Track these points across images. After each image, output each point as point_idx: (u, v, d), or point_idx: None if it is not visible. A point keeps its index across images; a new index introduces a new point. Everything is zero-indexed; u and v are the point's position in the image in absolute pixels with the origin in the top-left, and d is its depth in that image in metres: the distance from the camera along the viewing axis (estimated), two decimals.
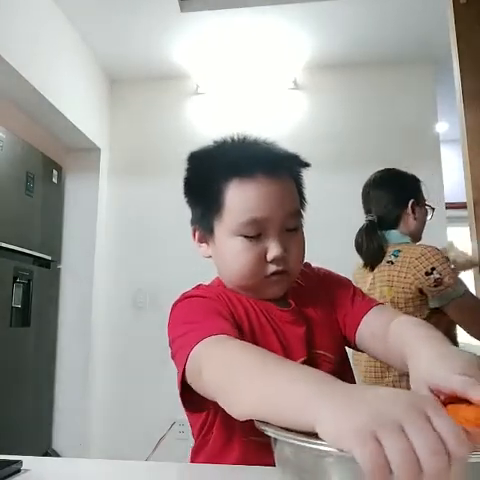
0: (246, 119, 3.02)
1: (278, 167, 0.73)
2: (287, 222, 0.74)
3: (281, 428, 0.41)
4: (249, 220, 0.71)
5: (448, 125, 3.45)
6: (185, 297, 0.76)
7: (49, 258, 2.72)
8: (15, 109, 2.50)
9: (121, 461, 0.67)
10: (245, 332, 0.72)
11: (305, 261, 0.86)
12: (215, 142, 0.81)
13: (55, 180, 2.82)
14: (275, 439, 0.43)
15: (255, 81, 3.06)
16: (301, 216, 0.79)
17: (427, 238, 2.82)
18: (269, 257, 0.72)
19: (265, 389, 0.47)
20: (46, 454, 2.61)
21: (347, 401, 0.37)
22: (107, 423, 2.84)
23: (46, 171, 2.73)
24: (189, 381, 0.64)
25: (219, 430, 0.72)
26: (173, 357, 0.70)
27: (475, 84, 1.73)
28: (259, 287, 0.75)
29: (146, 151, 3.11)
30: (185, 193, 0.84)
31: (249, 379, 0.51)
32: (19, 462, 0.61)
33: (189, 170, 0.82)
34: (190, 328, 0.66)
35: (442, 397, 0.49)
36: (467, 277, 1.66)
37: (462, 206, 1.89)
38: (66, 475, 0.62)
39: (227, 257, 0.75)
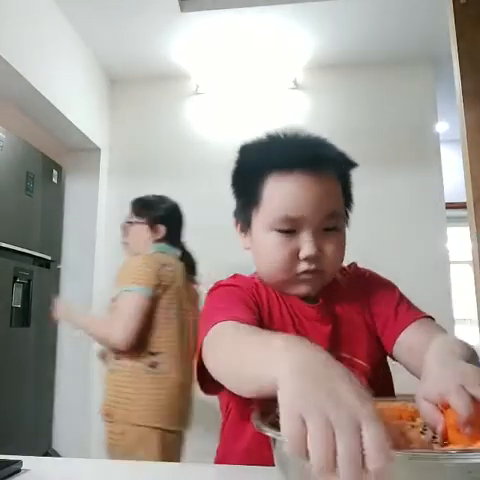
0: (246, 119, 3.02)
1: (319, 165, 0.71)
2: (325, 222, 0.72)
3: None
4: (284, 217, 0.71)
5: (448, 125, 3.45)
6: (218, 285, 0.80)
7: (49, 258, 2.72)
8: (15, 109, 2.50)
9: (121, 461, 0.67)
10: (264, 321, 0.73)
11: (352, 261, 0.85)
12: (267, 135, 0.78)
13: (55, 180, 2.82)
14: (274, 439, 0.43)
15: (255, 81, 3.06)
16: (344, 217, 0.77)
17: (427, 238, 2.83)
18: (302, 255, 0.71)
19: (234, 354, 0.54)
20: (46, 454, 2.61)
21: (304, 370, 0.40)
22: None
23: (46, 171, 2.73)
24: (206, 360, 0.65)
25: (234, 411, 0.75)
26: (197, 339, 0.71)
27: (475, 84, 1.73)
28: (289, 283, 0.75)
29: (146, 151, 3.11)
30: (231, 184, 0.82)
31: (228, 349, 0.57)
32: (19, 462, 0.61)
33: (237, 161, 0.81)
34: (212, 315, 0.69)
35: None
36: (467, 277, 1.66)
37: (462, 206, 1.89)
38: (66, 475, 0.62)
39: (261, 250, 0.76)
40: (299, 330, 0.74)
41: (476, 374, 0.45)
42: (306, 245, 0.71)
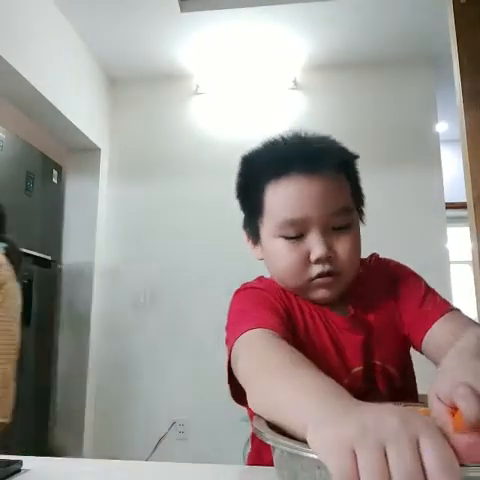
0: (246, 119, 3.02)
1: (317, 164, 0.70)
2: (332, 220, 0.70)
3: (279, 433, 0.42)
4: (286, 221, 0.70)
5: (448, 125, 3.45)
6: (245, 288, 0.78)
7: (49, 258, 2.72)
8: (15, 109, 2.50)
9: (121, 461, 0.67)
10: (299, 332, 0.71)
11: (373, 252, 0.83)
12: (265, 142, 0.77)
13: (55, 180, 2.82)
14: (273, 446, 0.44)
15: (255, 81, 3.06)
16: (355, 212, 0.75)
17: (427, 238, 2.83)
18: (312, 258, 0.69)
19: (272, 392, 0.50)
20: (46, 454, 2.61)
21: (338, 413, 0.37)
22: (107, 423, 2.84)
23: (46, 171, 2.73)
24: (233, 369, 0.65)
25: None
26: (226, 343, 0.70)
27: (475, 84, 1.73)
28: (306, 289, 0.73)
29: (146, 151, 3.12)
30: (236, 197, 0.81)
31: (264, 379, 0.54)
32: (19, 462, 0.61)
33: (238, 174, 0.80)
34: (240, 318, 0.68)
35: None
36: (467, 277, 1.66)
37: (462, 206, 1.89)
38: (66, 475, 0.62)
39: (272, 259, 0.75)
40: (334, 341, 0.72)
41: None
42: (315, 246, 0.69)
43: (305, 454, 0.36)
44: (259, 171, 0.75)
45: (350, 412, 0.37)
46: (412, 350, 0.77)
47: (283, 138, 0.76)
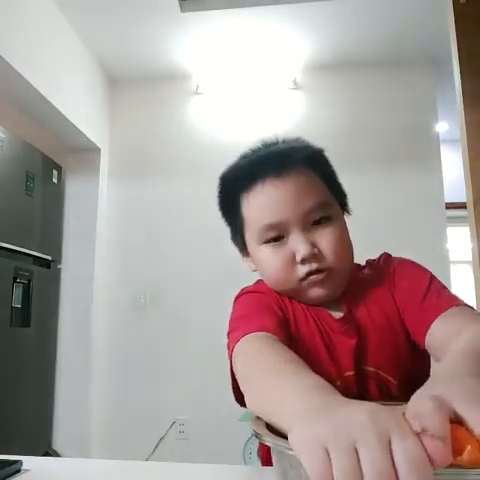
0: (246, 119, 3.02)
1: (280, 167, 0.71)
2: (311, 216, 0.70)
3: (278, 435, 0.42)
4: (264, 227, 0.71)
5: (448, 125, 3.45)
6: (244, 293, 0.80)
7: (49, 258, 2.72)
8: (15, 109, 2.50)
9: (121, 461, 0.67)
10: (292, 335, 0.71)
11: (385, 251, 0.83)
12: (239, 156, 0.80)
13: (55, 180, 2.82)
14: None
15: (255, 81, 3.06)
16: (334, 206, 0.74)
17: (427, 238, 2.83)
18: (298, 258, 0.69)
19: (264, 392, 0.51)
20: (46, 454, 2.61)
21: (316, 411, 0.37)
22: (107, 423, 2.84)
23: (46, 171, 2.73)
24: (234, 374, 0.65)
25: None
26: (227, 349, 0.71)
27: (475, 84, 1.73)
28: (299, 291, 0.73)
29: (146, 151, 3.12)
30: (221, 215, 0.84)
31: (257, 379, 0.55)
32: (19, 462, 0.61)
33: (218, 192, 0.82)
34: (240, 323, 0.69)
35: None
36: (467, 277, 1.66)
37: (462, 206, 1.89)
38: (66, 475, 0.62)
39: (261, 267, 0.76)
40: (327, 343, 0.72)
41: (477, 388, 0.36)
42: (299, 246, 0.69)
43: (290, 452, 0.36)
44: (232, 185, 0.77)
45: (327, 409, 0.37)
46: None
47: (253, 149, 0.78)
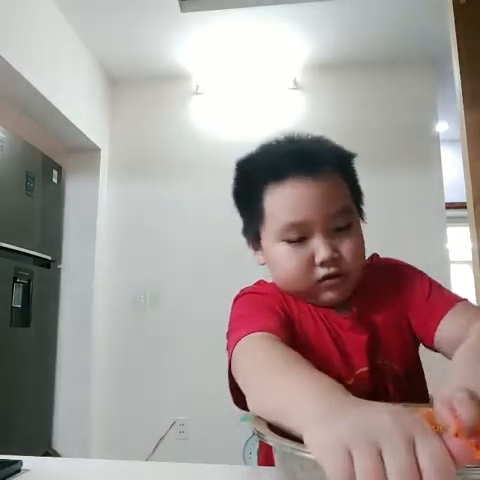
0: (246, 119, 3.02)
1: (313, 166, 0.69)
2: (334, 222, 0.69)
3: (279, 434, 0.42)
4: (288, 225, 0.69)
5: (448, 125, 3.45)
6: (244, 293, 0.78)
7: (49, 258, 2.72)
8: (15, 109, 2.50)
9: (121, 461, 0.67)
10: (299, 336, 0.71)
11: (374, 252, 0.82)
12: (260, 146, 0.77)
13: (55, 180, 2.82)
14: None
15: (255, 81, 3.06)
16: (355, 212, 0.74)
17: (427, 238, 2.83)
18: (317, 260, 0.68)
19: (269, 392, 0.50)
20: (46, 454, 2.61)
21: (333, 412, 0.37)
22: (107, 423, 2.84)
23: (46, 171, 2.73)
24: (234, 375, 0.65)
25: None
26: (227, 350, 0.70)
27: (475, 84, 1.73)
28: (313, 292, 0.72)
29: (146, 151, 3.12)
30: (234, 203, 0.81)
31: (261, 379, 0.54)
32: (19, 462, 0.61)
33: (235, 179, 0.79)
34: (240, 324, 0.68)
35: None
36: (467, 277, 1.66)
37: (462, 206, 1.89)
38: (66, 475, 0.62)
39: (275, 264, 0.74)
40: (337, 342, 0.71)
41: None
42: (320, 249, 0.68)
43: (303, 454, 0.36)
44: (255, 176, 0.74)
45: (344, 411, 0.36)
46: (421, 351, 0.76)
47: (277, 141, 0.75)
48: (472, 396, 0.35)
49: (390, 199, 2.79)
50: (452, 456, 0.30)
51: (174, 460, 0.67)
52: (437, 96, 2.92)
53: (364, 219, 0.78)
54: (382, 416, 0.33)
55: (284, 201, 0.70)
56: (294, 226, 0.69)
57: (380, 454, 0.31)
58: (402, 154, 2.89)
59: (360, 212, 0.78)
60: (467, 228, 1.73)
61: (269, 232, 0.73)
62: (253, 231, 0.77)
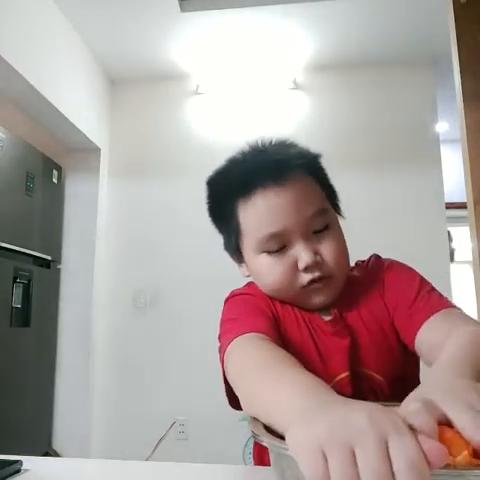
0: (246, 119, 3.02)
1: (280, 174, 0.69)
2: (311, 225, 0.69)
3: (277, 435, 0.42)
4: (266, 237, 0.69)
5: (448, 125, 3.45)
6: (234, 295, 0.79)
7: (49, 258, 2.72)
8: (15, 109, 2.50)
9: (121, 461, 0.67)
10: (282, 339, 0.71)
11: (374, 253, 0.82)
12: (226, 160, 0.77)
13: (55, 180, 2.82)
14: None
15: (255, 81, 3.06)
16: (331, 212, 0.74)
17: (427, 238, 2.83)
18: (300, 266, 0.68)
19: (258, 393, 0.51)
20: (46, 454, 2.61)
21: (315, 413, 0.37)
22: (107, 423, 2.84)
23: (46, 171, 2.73)
24: (227, 377, 0.65)
25: None
26: (219, 352, 0.70)
27: (475, 84, 1.73)
28: (300, 298, 0.72)
29: (146, 151, 3.12)
30: (211, 220, 0.82)
31: (251, 380, 0.54)
32: (19, 462, 0.61)
33: (207, 198, 0.80)
34: (231, 326, 0.68)
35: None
36: (467, 277, 1.66)
37: (462, 206, 1.89)
38: (66, 475, 0.62)
39: (259, 275, 0.74)
40: (319, 347, 0.71)
41: (466, 391, 0.36)
42: (302, 254, 0.68)
43: (287, 453, 0.36)
44: (225, 191, 0.74)
45: (325, 410, 0.36)
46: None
47: (243, 153, 0.75)
48: (429, 407, 0.34)
49: (390, 199, 2.79)
50: (426, 456, 0.30)
51: (174, 460, 0.67)
52: (437, 96, 2.92)
53: (342, 215, 0.77)
54: (358, 415, 0.33)
55: (257, 215, 0.70)
56: (272, 237, 0.69)
57: (354, 454, 0.31)
58: (402, 154, 2.89)
59: (336, 209, 0.77)
60: (467, 228, 1.73)
61: (248, 246, 0.73)
62: (233, 246, 0.77)
